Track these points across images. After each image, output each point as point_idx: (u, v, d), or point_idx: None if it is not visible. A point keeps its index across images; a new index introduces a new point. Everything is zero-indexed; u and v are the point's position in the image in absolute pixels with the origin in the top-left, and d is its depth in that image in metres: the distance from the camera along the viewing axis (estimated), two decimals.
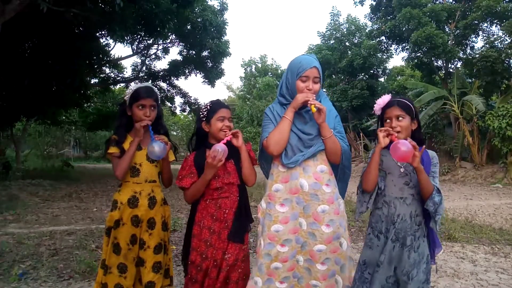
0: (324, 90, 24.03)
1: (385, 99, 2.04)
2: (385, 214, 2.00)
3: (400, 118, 1.96)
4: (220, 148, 1.94)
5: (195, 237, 2.07)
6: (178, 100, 18.50)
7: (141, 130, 2.10)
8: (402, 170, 1.98)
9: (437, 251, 2.06)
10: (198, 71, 16.61)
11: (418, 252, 1.95)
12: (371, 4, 18.43)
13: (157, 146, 2.03)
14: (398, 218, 1.96)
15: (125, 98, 2.22)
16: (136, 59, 17.14)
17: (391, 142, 1.91)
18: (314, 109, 1.93)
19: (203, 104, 2.23)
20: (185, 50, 16.10)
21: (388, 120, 1.99)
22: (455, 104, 14.08)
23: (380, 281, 1.94)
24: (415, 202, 1.97)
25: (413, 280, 1.91)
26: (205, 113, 2.13)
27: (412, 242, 1.94)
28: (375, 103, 2.07)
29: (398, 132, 1.93)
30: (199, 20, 13.62)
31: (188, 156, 2.17)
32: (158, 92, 2.31)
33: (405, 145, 1.80)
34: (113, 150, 2.13)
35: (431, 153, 2.03)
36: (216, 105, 2.14)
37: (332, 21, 25.09)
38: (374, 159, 1.99)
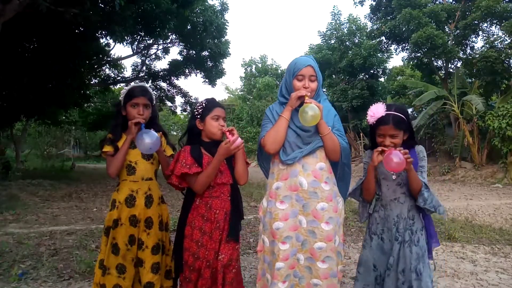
0: (324, 90, 24.03)
1: (378, 110, 1.98)
2: (381, 217, 2.06)
3: (394, 136, 1.96)
4: (237, 137, 2.00)
5: (187, 238, 2.06)
6: (179, 100, 18.52)
7: (132, 127, 2.11)
8: (394, 177, 2.01)
9: (434, 246, 2.06)
10: (198, 71, 16.62)
11: (419, 246, 1.96)
12: (371, 4, 18.42)
13: (148, 137, 1.99)
14: (399, 218, 2.00)
15: (120, 98, 2.23)
16: (136, 59, 17.13)
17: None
18: None
19: (198, 102, 2.22)
20: (185, 50, 16.09)
21: (381, 136, 1.98)
22: (455, 104, 14.07)
23: (390, 286, 1.95)
24: (407, 199, 2.02)
25: (422, 275, 1.91)
26: (200, 110, 2.12)
27: (411, 237, 1.97)
28: (374, 104, 2.06)
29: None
30: (199, 20, 13.62)
31: (183, 148, 2.13)
32: (154, 92, 2.32)
33: (397, 156, 1.82)
34: (107, 148, 2.14)
35: (417, 147, 2.05)
36: (211, 104, 2.13)
37: (333, 21, 25.07)
38: (370, 174, 2.03)
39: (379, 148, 1.95)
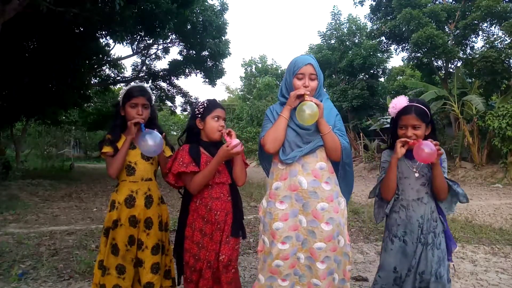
0: (324, 90, 23.98)
1: (401, 102, 1.98)
2: (402, 218, 1.99)
3: (416, 127, 1.93)
4: (238, 142, 2.00)
5: (188, 239, 2.07)
6: (179, 99, 18.53)
7: (132, 127, 2.10)
8: (417, 175, 1.97)
9: (453, 248, 2.03)
10: (198, 71, 16.63)
11: (441, 249, 1.94)
12: (371, 4, 18.43)
13: (151, 140, 1.99)
14: (423, 220, 1.95)
15: (119, 98, 2.23)
16: (136, 59, 17.17)
17: (407, 150, 1.90)
18: None
19: (198, 102, 2.23)
20: (185, 50, 16.12)
21: (403, 127, 1.96)
22: (455, 104, 14.06)
23: (408, 287, 1.93)
24: (431, 199, 1.98)
25: (442, 278, 1.90)
26: (201, 110, 2.13)
27: (434, 240, 1.94)
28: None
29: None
30: (199, 20, 13.63)
31: (181, 147, 2.14)
32: (153, 92, 2.31)
33: (428, 146, 1.79)
34: (107, 149, 2.14)
35: None
36: (212, 104, 2.15)
37: (333, 21, 25.10)
38: (392, 169, 1.96)
39: (402, 139, 1.91)
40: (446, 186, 1.95)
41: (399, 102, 1.99)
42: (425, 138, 1.96)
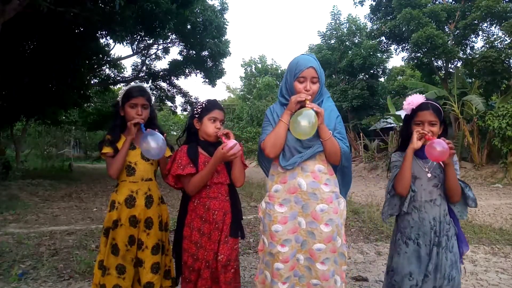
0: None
1: (417, 99, 1.97)
2: (415, 220, 1.96)
3: (432, 124, 1.92)
4: (235, 144, 1.97)
5: (186, 239, 2.07)
6: (179, 99, 18.54)
7: (131, 128, 2.10)
8: (429, 175, 1.94)
9: (465, 250, 2.02)
10: (198, 71, 16.64)
11: (454, 252, 1.92)
12: (371, 4, 18.44)
13: (153, 141, 1.99)
14: (435, 222, 1.93)
15: (118, 99, 2.23)
16: (136, 59, 17.18)
17: (423, 145, 1.89)
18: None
19: (198, 102, 2.22)
20: (185, 50, 16.12)
21: (419, 124, 1.95)
22: (455, 104, 14.06)
23: None
24: (443, 201, 1.96)
25: (455, 280, 1.89)
26: (199, 110, 2.13)
27: (447, 243, 1.92)
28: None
29: None
30: (199, 20, 13.64)
31: (180, 148, 2.14)
32: (153, 92, 2.31)
33: (440, 144, 1.77)
34: (106, 150, 2.14)
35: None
36: (210, 105, 2.14)
37: (333, 21, 25.11)
38: (408, 161, 1.93)
39: (420, 130, 1.90)
40: (459, 188, 1.92)
41: (415, 99, 1.97)
42: (438, 137, 1.94)
